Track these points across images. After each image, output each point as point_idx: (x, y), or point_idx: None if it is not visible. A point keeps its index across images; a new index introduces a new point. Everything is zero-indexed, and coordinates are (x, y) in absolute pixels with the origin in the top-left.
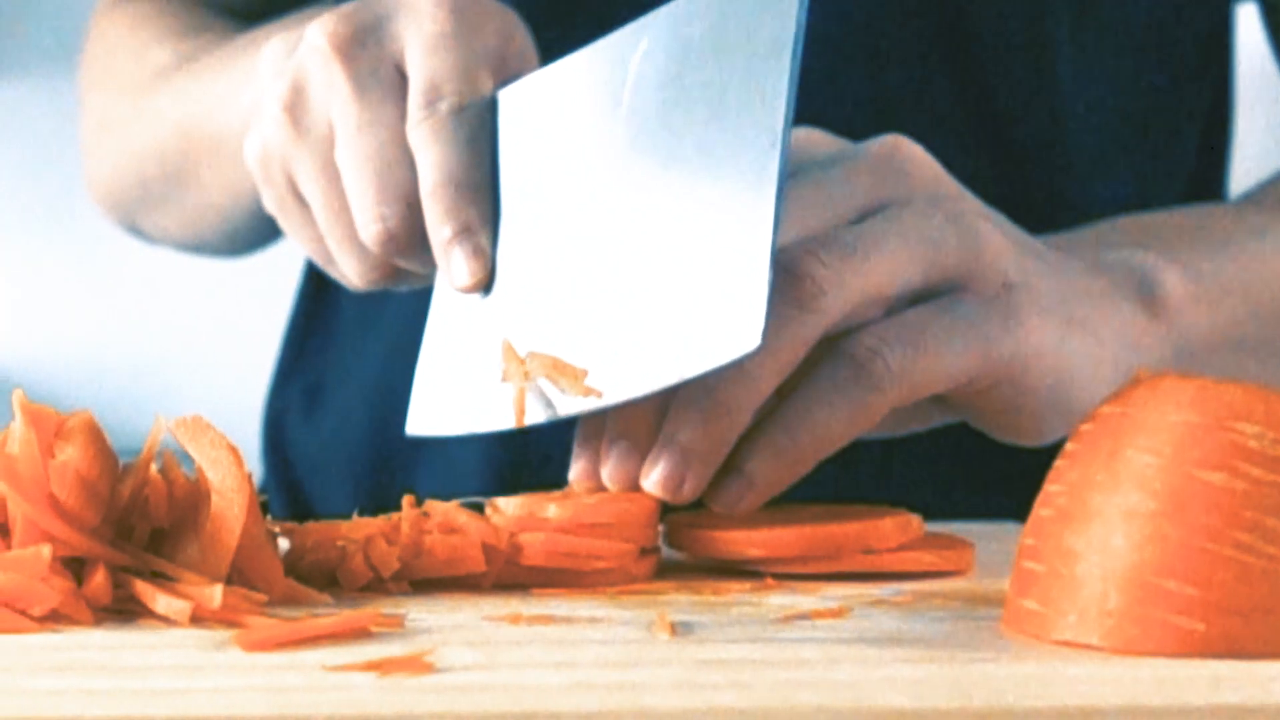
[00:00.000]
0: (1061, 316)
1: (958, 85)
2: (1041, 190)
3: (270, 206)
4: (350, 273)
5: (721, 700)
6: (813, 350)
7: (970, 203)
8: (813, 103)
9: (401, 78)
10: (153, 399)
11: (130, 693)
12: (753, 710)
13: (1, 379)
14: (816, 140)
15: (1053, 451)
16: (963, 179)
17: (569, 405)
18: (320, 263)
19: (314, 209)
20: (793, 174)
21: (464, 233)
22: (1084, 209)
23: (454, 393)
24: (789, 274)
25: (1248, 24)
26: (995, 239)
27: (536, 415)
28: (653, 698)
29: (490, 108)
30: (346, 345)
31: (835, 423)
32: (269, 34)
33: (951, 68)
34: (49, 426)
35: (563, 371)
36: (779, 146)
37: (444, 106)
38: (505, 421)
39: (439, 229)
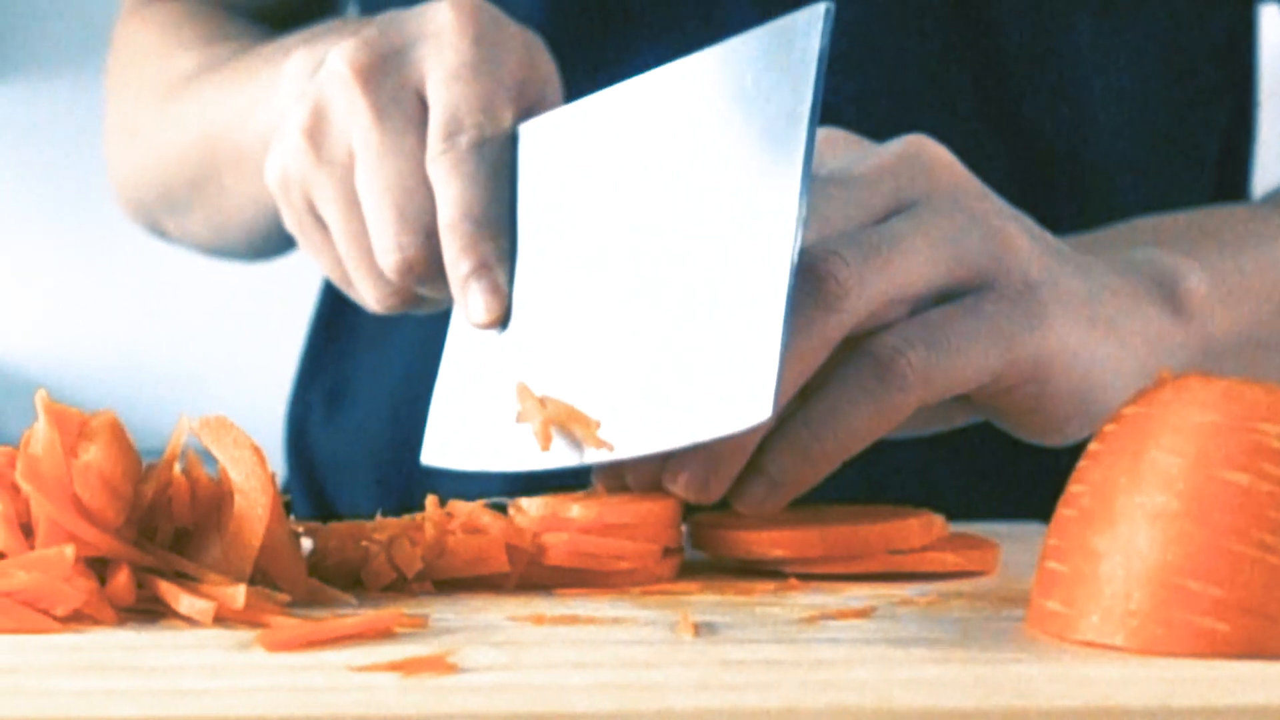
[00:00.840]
0: (1085, 316)
1: (979, 86)
2: (1063, 192)
3: (290, 227)
4: (368, 297)
5: (745, 701)
6: (836, 350)
7: (993, 203)
8: (835, 103)
9: (423, 106)
10: (176, 399)
11: (153, 693)
12: (777, 711)
13: (25, 379)
14: (839, 140)
15: (1077, 451)
16: (984, 179)
17: (580, 455)
18: (339, 284)
19: (333, 233)
20: (816, 174)
21: (481, 269)
22: (1106, 210)
23: (469, 426)
24: (813, 274)
25: (1270, 25)
26: (1019, 239)
27: (553, 459)
28: (676, 698)
29: (510, 141)
30: (369, 347)
31: (859, 423)
32: (292, 46)
33: (973, 69)
34: (72, 427)
35: (577, 421)
36: (795, 219)
37: (464, 140)
38: (520, 463)
39: (456, 265)
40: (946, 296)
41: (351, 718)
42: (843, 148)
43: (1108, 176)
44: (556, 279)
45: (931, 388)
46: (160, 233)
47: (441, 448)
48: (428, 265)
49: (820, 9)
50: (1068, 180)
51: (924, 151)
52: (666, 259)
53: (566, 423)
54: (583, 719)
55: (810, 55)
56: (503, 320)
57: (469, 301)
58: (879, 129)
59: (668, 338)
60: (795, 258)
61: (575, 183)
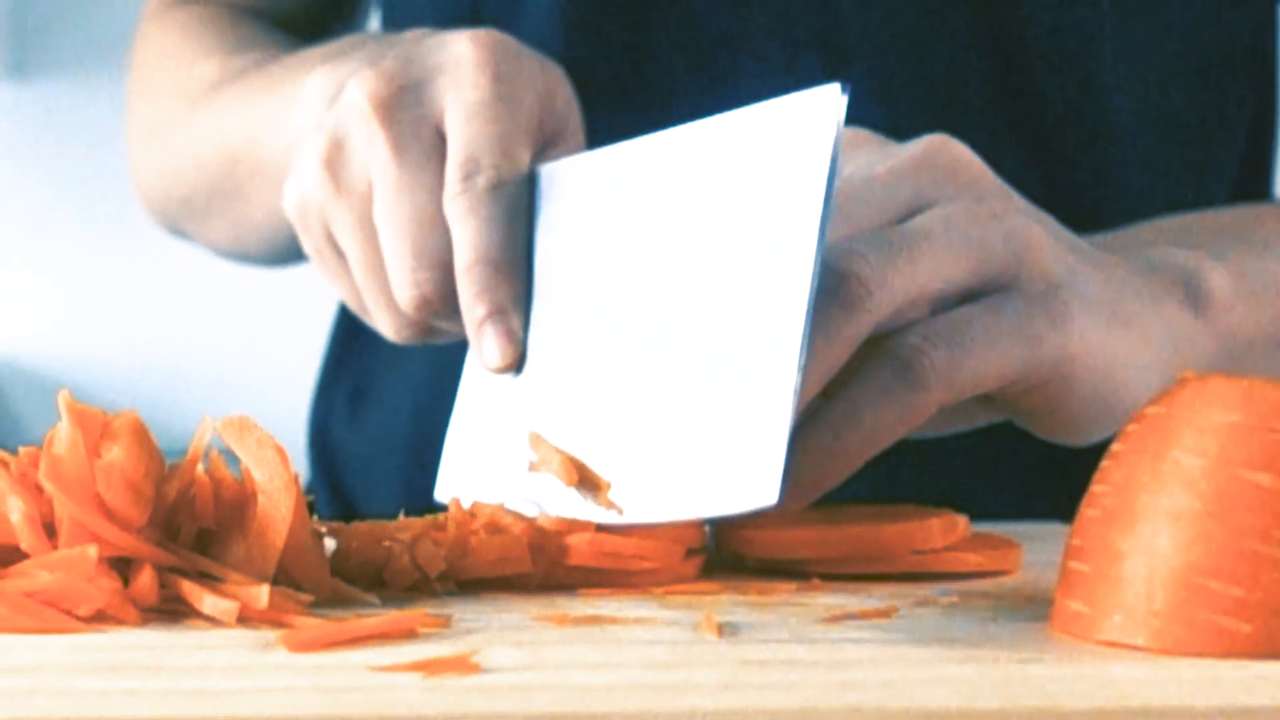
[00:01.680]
0: (1107, 315)
1: (1002, 86)
2: (1085, 191)
3: (308, 254)
4: (384, 327)
5: (768, 701)
6: (859, 350)
7: (1016, 201)
8: (858, 103)
9: (441, 140)
10: (199, 399)
11: (176, 693)
12: (799, 710)
13: (48, 379)
14: (862, 139)
15: (1099, 451)
16: (1006, 178)
17: (589, 512)
18: (356, 312)
19: (351, 264)
20: (839, 171)
21: (496, 314)
22: (1128, 210)
23: (481, 469)
24: (835, 273)
25: None
26: (1041, 238)
27: (563, 510)
28: (699, 698)
29: (528, 181)
30: (391, 347)
31: (881, 422)
32: (313, 63)
33: (996, 68)
34: (95, 427)
35: (588, 479)
36: (807, 292)
37: (481, 181)
38: (530, 510)
39: (472, 308)
40: (968, 296)
41: (374, 718)
42: (865, 147)
43: (1130, 176)
44: (571, 326)
45: (953, 387)
46: (182, 235)
47: (454, 487)
48: (444, 301)
49: (836, 88)
50: (1090, 179)
51: (946, 150)
52: (680, 318)
53: (578, 480)
54: (605, 719)
55: (826, 135)
56: (517, 365)
57: (483, 346)
58: (901, 128)
59: (679, 401)
60: (806, 339)
61: (592, 230)
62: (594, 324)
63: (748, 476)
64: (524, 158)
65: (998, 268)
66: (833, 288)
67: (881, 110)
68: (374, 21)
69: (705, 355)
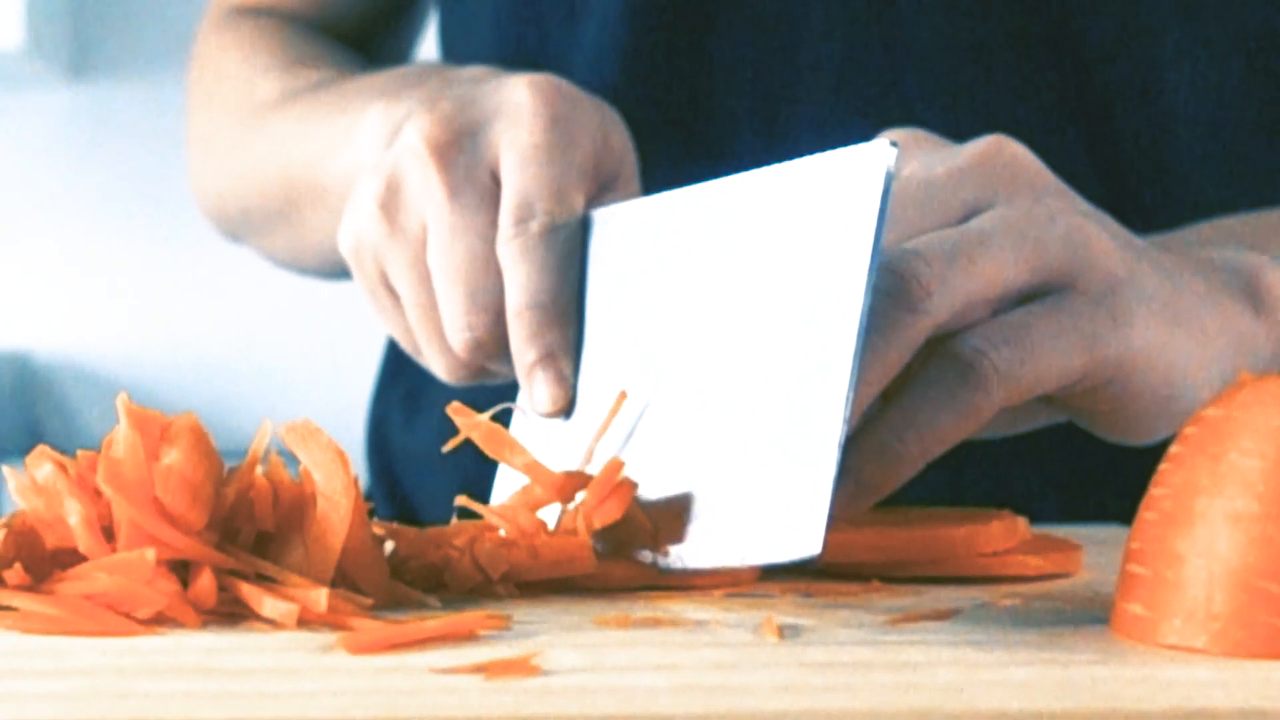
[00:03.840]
0: (1168, 315)
1: (1062, 86)
2: (1146, 191)
3: (363, 292)
4: (437, 368)
5: (829, 703)
6: (919, 352)
7: (1075, 202)
8: (916, 104)
9: (496, 184)
10: (257, 401)
11: (235, 695)
12: (861, 713)
13: (106, 382)
14: (920, 141)
15: (1159, 452)
16: (1066, 179)
17: (634, 553)
18: (409, 351)
19: (404, 304)
20: (897, 173)
21: (547, 359)
22: (1188, 210)
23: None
24: (895, 275)
25: None
26: (1101, 238)
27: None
28: (760, 701)
29: (582, 226)
30: None
31: (943, 424)
32: (371, 96)
33: (1056, 69)
34: (154, 430)
35: (635, 522)
36: (853, 345)
37: (534, 226)
38: None
39: (523, 353)
40: (1028, 296)
41: None
42: (923, 148)
43: (1190, 176)
44: (622, 371)
45: (1015, 389)
46: (241, 242)
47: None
48: (496, 344)
49: (886, 143)
50: (1150, 180)
51: (1005, 151)
52: (728, 367)
53: (624, 520)
54: None
55: (875, 191)
56: (567, 410)
57: (534, 391)
58: (961, 129)
59: (726, 448)
60: (852, 390)
61: (643, 276)
62: (644, 370)
63: (792, 526)
64: (578, 202)
65: (1057, 268)
66: (892, 290)
67: (943, 115)
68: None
69: (753, 404)
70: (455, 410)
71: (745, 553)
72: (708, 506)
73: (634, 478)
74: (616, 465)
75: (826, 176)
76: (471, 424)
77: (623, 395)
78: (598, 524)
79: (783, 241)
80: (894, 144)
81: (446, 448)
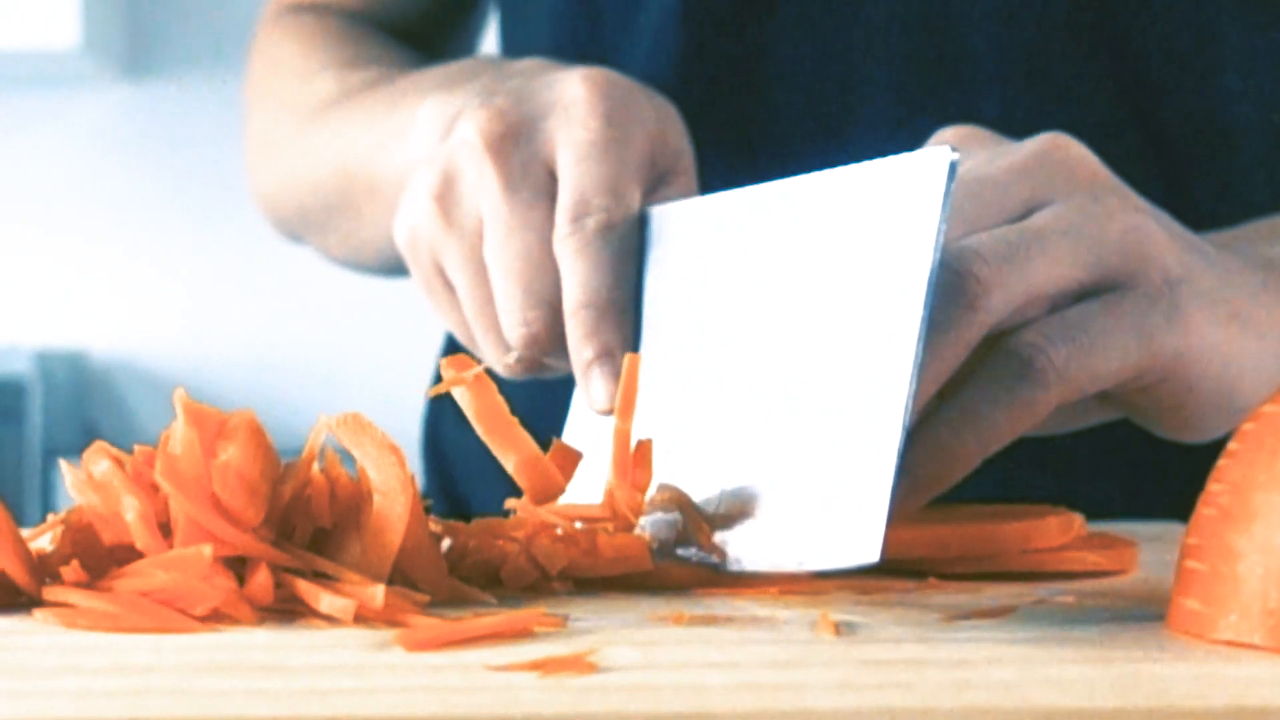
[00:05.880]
0: (1225, 312)
1: (1119, 85)
2: (1206, 193)
3: (418, 285)
4: (493, 362)
5: (886, 700)
6: (976, 349)
7: (1132, 199)
8: (973, 104)
9: (552, 179)
10: (314, 398)
11: (292, 692)
12: (917, 710)
13: (163, 379)
14: (978, 138)
15: (1217, 449)
16: (1124, 177)
17: (690, 552)
18: (465, 344)
19: (460, 299)
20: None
21: (604, 356)
22: (1246, 211)
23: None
24: (953, 273)
25: None
26: (1157, 235)
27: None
28: (816, 698)
29: (639, 222)
30: None
31: (1000, 421)
32: (427, 90)
33: (1113, 67)
34: (211, 426)
35: (693, 519)
36: (913, 350)
37: (591, 223)
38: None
39: (580, 350)
40: (1085, 294)
41: (490, 717)
42: (981, 145)
43: (1247, 176)
44: (678, 369)
45: (1072, 385)
46: (299, 241)
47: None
48: (553, 340)
49: (947, 150)
50: (1211, 182)
51: (1062, 148)
52: (786, 368)
53: (682, 516)
54: (722, 719)
55: (935, 198)
56: None
57: (590, 388)
58: (1017, 130)
59: (784, 451)
60: (910, 400)
61: (701, 276)
62: (700, 369)
63: (851, 532)
64: (634, 199)
65: (1114, 265)
66: (951, 287)
67: (999, 116)
68: (491, 34)
69: (811, 407)
70: (449, 363)
71: (803, 557)
72: (766, 509)
73: (692, 479)
74: (624, 433)
75: (888, 180)
76: (457, 378)
77: (635, 359)
78: (641, 497)
79: (843, 244)
80: (954, 149)
81: (430, 392)
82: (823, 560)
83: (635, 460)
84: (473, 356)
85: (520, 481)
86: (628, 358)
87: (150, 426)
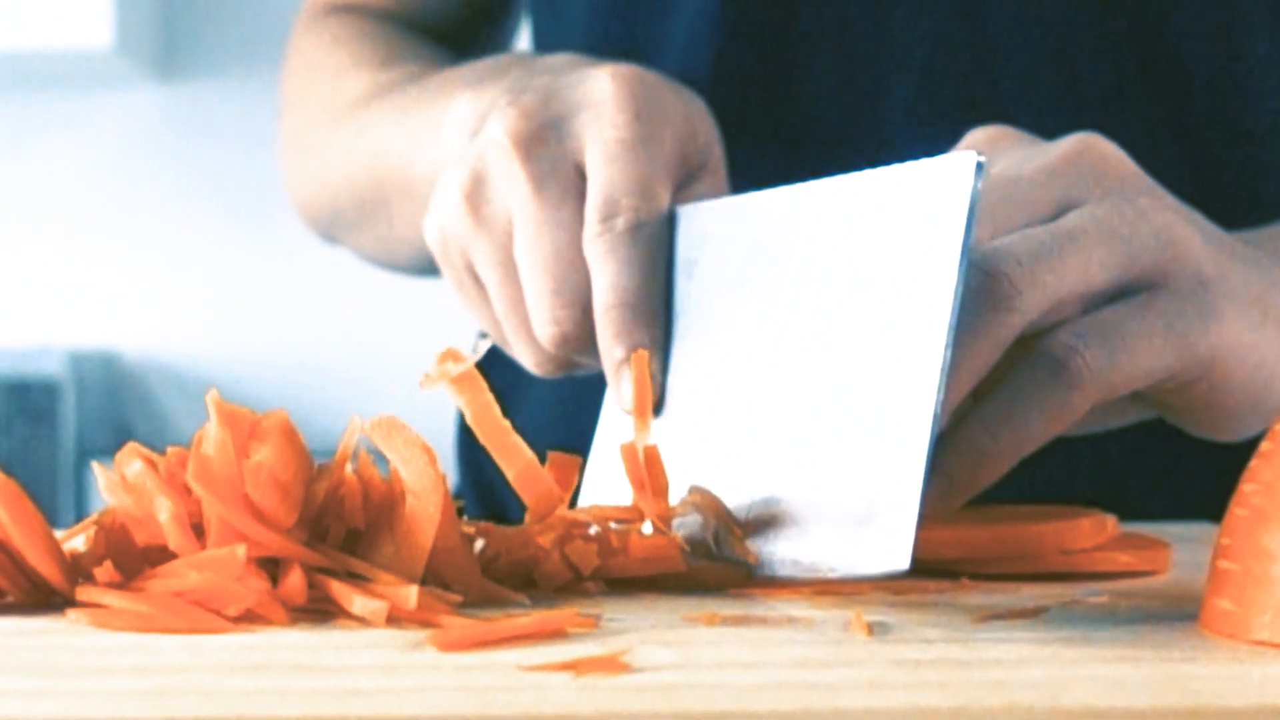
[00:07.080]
0: (1258, 312)
1: (1151, 86)
2: (1237, 193)
3: (449, 284)
4: (525, 360)
5: (919, 700)
6: (1010, 350)
7: (1165, 200)
8: (1005, 104)
9: (581, 178)
10: (347, 399)
11: (325, 693)
12: (951, 710)
13: (197, 379)
14: (1010, 138)
15: (1250, 449)
16: (1155, 177)
17: (721, 553)
18: (496, 342)
19: (491, 297)
20: (986, 171)
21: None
22: (1277, 210)
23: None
24: (985, 274)
25: None
26: (1190, 235)
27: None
28: (849, 698)
29: (668, 221)
30: None
31: (1035, 422)
32: (457, 88)
33: (1144, 67)
34: (244, 427)
35: (726, 523)
36: (941, 356)
37: (620, 223)
38: None
39: (610, 350)
40: (1118, 294)
41: (523, 718)
42: (1013, 146)
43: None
44: (707, 371)
45: (1106, 386)
46: (334, 242)
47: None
48: (583, 339)
49: (973, 154)
50: (1242, 181)
51: (1094, 149)
52: (814, 371)
53: (715, 520)
54: (755, 719)
55: (963, 201)
56: (656, 407)
57: (621, 388)
58: (1048, 130)
59: (814, 456)
60: (939, 404)
61: (730, 276)
62: (729, 371)
63: (880, 539)
64: (664, 198)
65: (1147, 265)
66: (983, 288)
67: (1031, 116)
68: (524, 35)
69: (840, 411)
70: (444, 355)
71: (833, 563)
72: (796, 514)
73: (722, 482)
74: (631, 450)
75: (916, 183)
76: (445, 370)
77: (642, 354)
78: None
79: (872, 246)
80: (981, 152)
81: (422, 384)
82: (853, 567)
83: (646, 469)
84: (508, 363)
85: (520, 492)
86: (636, 356)
87: (183, 427)
